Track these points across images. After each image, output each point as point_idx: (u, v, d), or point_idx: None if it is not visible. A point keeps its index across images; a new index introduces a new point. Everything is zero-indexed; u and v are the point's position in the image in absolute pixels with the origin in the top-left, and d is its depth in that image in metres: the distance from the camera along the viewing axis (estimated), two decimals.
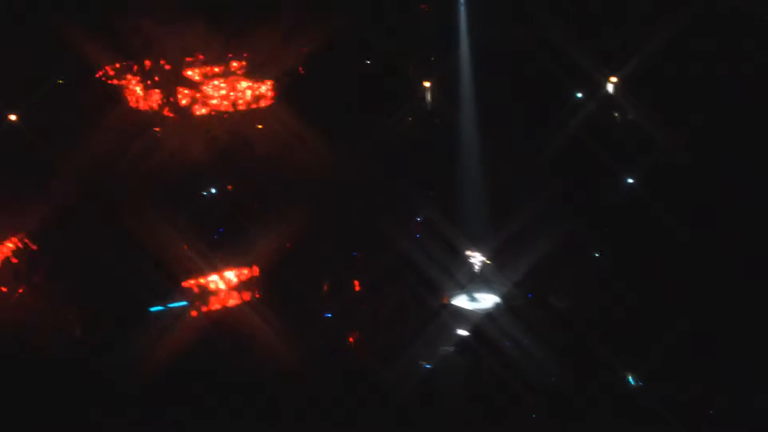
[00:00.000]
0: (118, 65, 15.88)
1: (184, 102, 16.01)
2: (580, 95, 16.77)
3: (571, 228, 15.48)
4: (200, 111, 16.09)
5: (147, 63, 15.79)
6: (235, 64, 16.11)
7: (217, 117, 16.17)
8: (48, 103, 15.45)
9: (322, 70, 16.24)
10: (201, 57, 15.94)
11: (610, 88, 16.52)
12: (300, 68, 16.32)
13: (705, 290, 14.46)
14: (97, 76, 15.91)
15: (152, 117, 16.06)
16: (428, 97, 16.97)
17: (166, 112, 15.99)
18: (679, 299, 14.42)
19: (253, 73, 16.18)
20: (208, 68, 16.03)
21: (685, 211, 15.20)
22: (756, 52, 15.07)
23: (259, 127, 16.25)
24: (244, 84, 16.26)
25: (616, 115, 16.73)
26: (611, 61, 16.29)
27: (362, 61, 16.69)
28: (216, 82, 16.13)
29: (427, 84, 16.91)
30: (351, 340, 14.97)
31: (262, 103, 16.34)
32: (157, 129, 16.01)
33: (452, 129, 16.78)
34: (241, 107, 16.23)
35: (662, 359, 13.54)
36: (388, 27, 16.43)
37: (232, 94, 16.21)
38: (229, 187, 16.15)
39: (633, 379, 13.80)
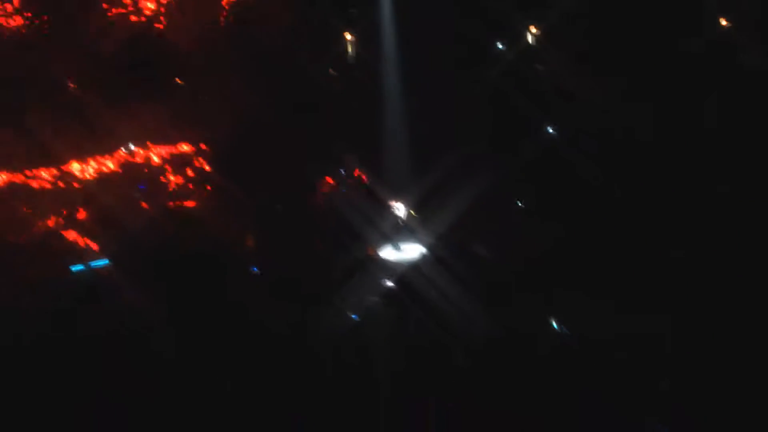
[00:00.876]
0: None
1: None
2: (502, 46, 16.90)
3: (494, 177, 15.63)
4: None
5: None
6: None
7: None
8: None
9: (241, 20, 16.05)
10: None
11: (531, 38, 16.67)
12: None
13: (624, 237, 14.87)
14: None
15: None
16: (350, 49, 16.84)
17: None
18: (598, 246, 14.79)
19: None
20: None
21: (608, 162, 15.52)
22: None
23: (178, 81, 15.97)
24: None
25: (539, 65, 16.90)
26: (535, 11, 16.48)
27: (284, 13, 16.42)
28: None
29: (349, 36, 16.77)
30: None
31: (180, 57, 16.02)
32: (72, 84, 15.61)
33: (375, 81, 16.71)
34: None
35: (584, 303, 13.89)
36: None
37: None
38: (149, 142, 15.83)
39: (557, 324, 14.06)
